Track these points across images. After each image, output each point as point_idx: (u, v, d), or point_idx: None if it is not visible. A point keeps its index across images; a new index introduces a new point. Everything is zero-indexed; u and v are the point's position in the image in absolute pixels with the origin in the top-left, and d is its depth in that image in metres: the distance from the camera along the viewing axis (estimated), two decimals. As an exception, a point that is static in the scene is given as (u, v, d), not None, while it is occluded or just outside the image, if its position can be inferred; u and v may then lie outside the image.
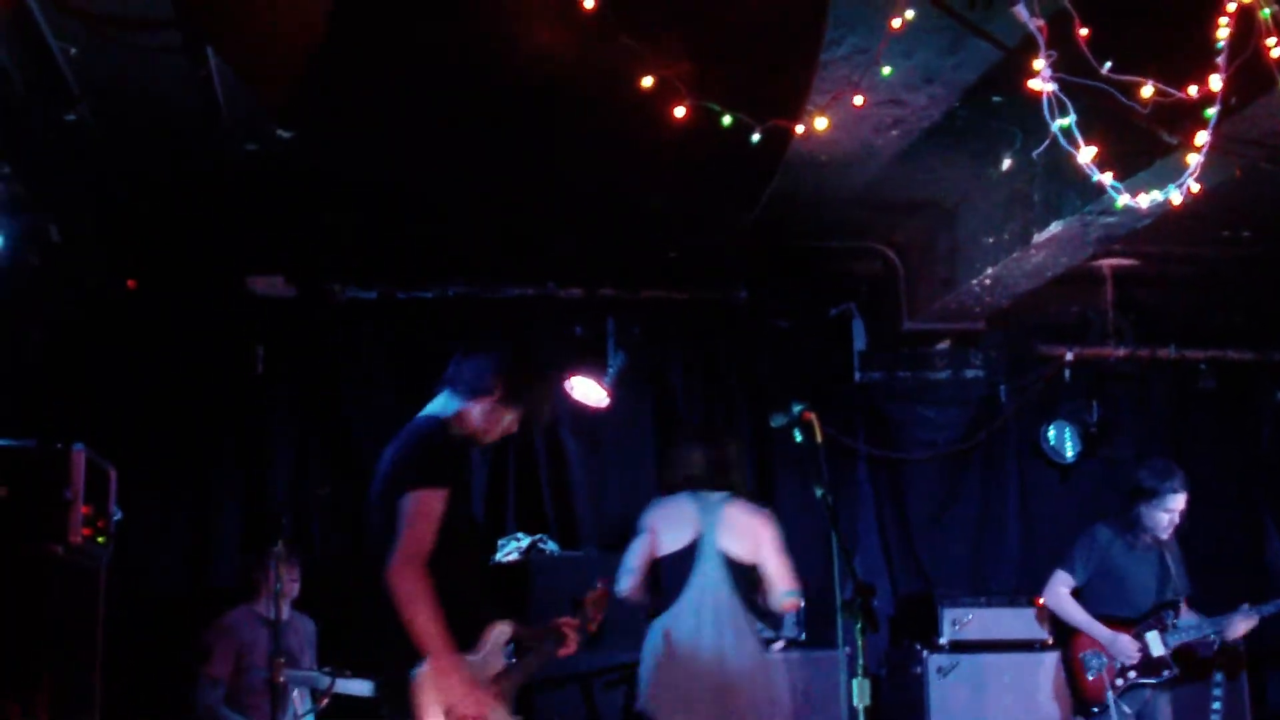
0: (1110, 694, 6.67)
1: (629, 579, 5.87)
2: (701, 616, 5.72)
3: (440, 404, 4.59)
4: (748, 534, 5.87)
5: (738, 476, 6.02)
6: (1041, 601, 7.38)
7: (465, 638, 4.33)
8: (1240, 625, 6.81)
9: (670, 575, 5.84)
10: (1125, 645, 6.76)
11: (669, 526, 5.89)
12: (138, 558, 7.01)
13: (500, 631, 4.52)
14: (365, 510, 4.53)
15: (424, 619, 4.18)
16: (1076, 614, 6.90)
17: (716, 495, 5.92)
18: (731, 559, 5.82)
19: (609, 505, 8.08)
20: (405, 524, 4.23)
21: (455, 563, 4.32)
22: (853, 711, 4.28)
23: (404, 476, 4.31)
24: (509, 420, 4.65)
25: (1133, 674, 6.76)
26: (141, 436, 7.21)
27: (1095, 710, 6.76)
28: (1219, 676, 6.98)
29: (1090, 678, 6.81)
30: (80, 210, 6.87)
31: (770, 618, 6.39)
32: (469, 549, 4.61)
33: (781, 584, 5.84)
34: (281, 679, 5.84)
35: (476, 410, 4.56)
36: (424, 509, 4.25)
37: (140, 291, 7.46)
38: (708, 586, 5.77)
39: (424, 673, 4.20)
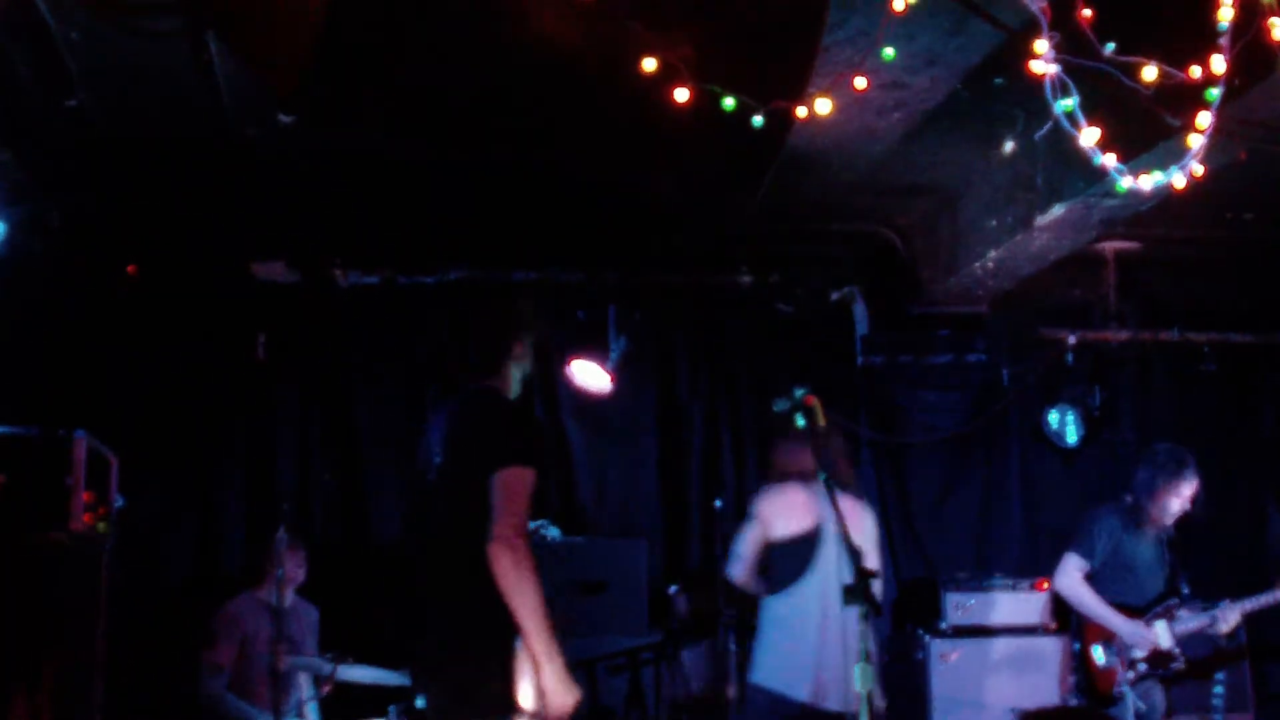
0: (1125, 686, 6.61)
1: (740, 565, 5.95)
2: (827, 599, 5.77)
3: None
4: (857, 523, 5.91)
5: (843, 470, 6.03)
6: (1046, 585, 7.35)
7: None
8: (1224, 621, 6.75)
9: (786, 559, 5.88)
10: (1143, 634, 6.66)
11: (783, 513, 5.94)
12: (143, 545, 7.01)
13: None
14: (420, 485, 4.53)
15: (534, 596, 4.12)
16: (1091, 600, 6.74)
17: (825, 486, 6.00)
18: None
19: (611, 491, 8.08)
20: (506, 499, 4.18)
21: None
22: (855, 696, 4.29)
23: (492, 454, 4.25)
24: (529, 358, 4.67)
25: (1143, 666, 6.67)
26: (145, 424, 7.20)
27: (1110, 701, 6.71)
28: (1220, 669, 6.92)
29: (1102, 666, 6.72)
30: (82, 197, 6.87)
31: None
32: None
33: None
34: (284, 665, 5.85)
35: (505, 373, 4.59)
36: (521, 487, 4.22)
37: (143, 278, 7.45)
38: (831, 571, 5.82)
39: (519, 649, 4.16)
